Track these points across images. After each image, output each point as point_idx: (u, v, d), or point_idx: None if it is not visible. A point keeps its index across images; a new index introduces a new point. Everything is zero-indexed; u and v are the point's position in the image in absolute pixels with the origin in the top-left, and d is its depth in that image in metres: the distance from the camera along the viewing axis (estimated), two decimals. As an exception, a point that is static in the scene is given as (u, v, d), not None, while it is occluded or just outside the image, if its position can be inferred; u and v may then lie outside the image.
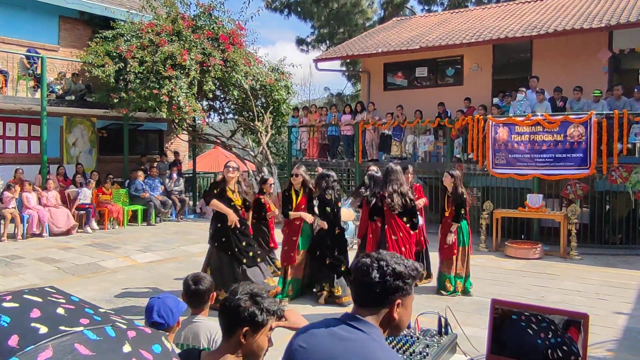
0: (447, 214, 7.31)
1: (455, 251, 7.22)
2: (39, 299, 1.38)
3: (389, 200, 6.28)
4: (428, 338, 2.50)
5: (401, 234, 6.37)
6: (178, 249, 10.16)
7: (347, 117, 14.39)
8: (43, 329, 1.27)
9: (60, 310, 1.35)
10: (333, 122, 14.64)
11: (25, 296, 1.38)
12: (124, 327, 1.42)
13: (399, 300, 1.65)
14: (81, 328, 1.30)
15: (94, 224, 12.11)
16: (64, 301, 1.42)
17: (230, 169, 6.46)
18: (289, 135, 15.69)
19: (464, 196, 7.25)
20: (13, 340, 1.24)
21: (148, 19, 13.39)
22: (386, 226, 6.38)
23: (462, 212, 7.19)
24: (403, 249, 6.29)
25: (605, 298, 7.09)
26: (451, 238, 7.19)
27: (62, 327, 1.28)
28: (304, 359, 1.68)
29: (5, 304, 1.32)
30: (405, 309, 1.68)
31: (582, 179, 10.41)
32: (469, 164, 11.83)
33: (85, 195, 12.13)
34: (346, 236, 10.40)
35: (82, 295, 6.93)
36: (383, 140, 13.77)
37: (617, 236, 11.10)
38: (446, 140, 12.70)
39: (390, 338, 2.46)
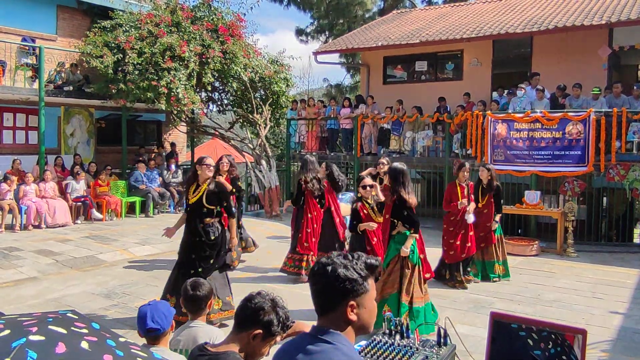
0: (480, 205, 7.86)
1: (495, 240, 7.93)
2: (64, 331, 1.38)
3: (311, 184, 7.49)
4: (427, 349, 2.52)
5: (315, 213, 7.61)
6: (176, 242, 10.10)
7: (346, 111, 14.37)
8: None
9: (84, 345, 1.36)
10: (332, 115, 14.62)
11: (50, 327, 1.38)
12: None
13: (352, 302, 1.66)
14: None
15: (96, 214, 12.11)
16: (86, 331, 1.42)
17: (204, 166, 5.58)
18: (288, 128, 15.66)
19: (500, 188, 8.00)
20: None
21: (147, 9, 13.30)
22: (305, 205, 7.59)
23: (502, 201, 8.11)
24: (315, 225, 7.61)
25: (601, 297, 7.13)
26: (495, 226, 7.88)
27: None
28: None
29: (32, 337, 1.32)
30: (364, 308, 1.69)
31: (580, 176, 10.44)
32: (468, 159, 11.83)
33: (74, 188, 12.00)
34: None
35: (81, 289, 6.99)
36: (382, 134, 13.76)
37: (612, 231, 11.16)
38: (445, 135, 12.70)
39: (390, 349, 2.49)
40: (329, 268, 1.66)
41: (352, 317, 1.66)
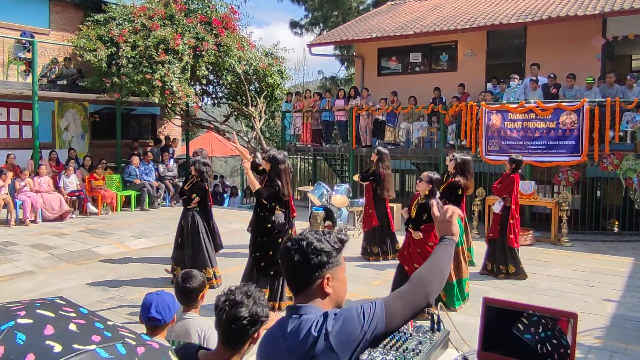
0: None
1: None
2: (51, 314, 1.40)
3: None
4: (421, 334, 2.55)
5: None
6: (172, 235, 10.09)
7: (340, 102, 14.35)
8: (57, 347, 1.29)
9: (72, 327, 1.38)
10: (327, 107, 14.61)
11: (38, 311, 1.40)
12: (133, 343, 1.44)
13: (328, 275, 1.68)
14: (93, 346, 1.33)
15: (92, 208, 12.10)
16: (74, 315, 1.44)
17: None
18: (283, 120, 15.65)
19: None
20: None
21: (140, 2, 13.24)
22: None
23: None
24: None
25: (594, 285, 7.19)
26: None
27: (75, 345, 1.31)
28: None
29: (20, 321, 1.34)
30: (338, 281, 1.71)
31: (574, 166, 10.49)
32: (462, 150, 11.87)
33: (65, 182, 11.94)
34: (339, 222, 10.54)
35: (77, 283, 6.99)
36: (377, 126, 13.78)
37: (613, 220, 11.21)
38: (440, 126, 12.72)
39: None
40: (304, 243, 1.68)
41: (329, 290, 1.68)
